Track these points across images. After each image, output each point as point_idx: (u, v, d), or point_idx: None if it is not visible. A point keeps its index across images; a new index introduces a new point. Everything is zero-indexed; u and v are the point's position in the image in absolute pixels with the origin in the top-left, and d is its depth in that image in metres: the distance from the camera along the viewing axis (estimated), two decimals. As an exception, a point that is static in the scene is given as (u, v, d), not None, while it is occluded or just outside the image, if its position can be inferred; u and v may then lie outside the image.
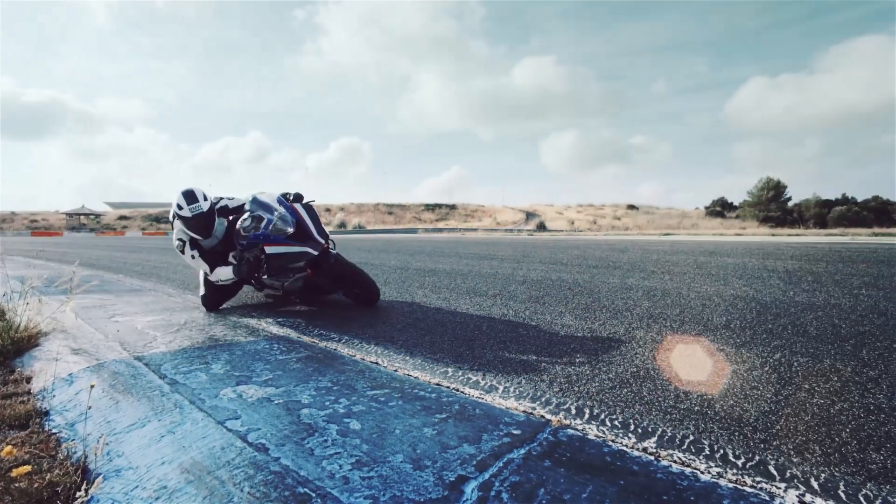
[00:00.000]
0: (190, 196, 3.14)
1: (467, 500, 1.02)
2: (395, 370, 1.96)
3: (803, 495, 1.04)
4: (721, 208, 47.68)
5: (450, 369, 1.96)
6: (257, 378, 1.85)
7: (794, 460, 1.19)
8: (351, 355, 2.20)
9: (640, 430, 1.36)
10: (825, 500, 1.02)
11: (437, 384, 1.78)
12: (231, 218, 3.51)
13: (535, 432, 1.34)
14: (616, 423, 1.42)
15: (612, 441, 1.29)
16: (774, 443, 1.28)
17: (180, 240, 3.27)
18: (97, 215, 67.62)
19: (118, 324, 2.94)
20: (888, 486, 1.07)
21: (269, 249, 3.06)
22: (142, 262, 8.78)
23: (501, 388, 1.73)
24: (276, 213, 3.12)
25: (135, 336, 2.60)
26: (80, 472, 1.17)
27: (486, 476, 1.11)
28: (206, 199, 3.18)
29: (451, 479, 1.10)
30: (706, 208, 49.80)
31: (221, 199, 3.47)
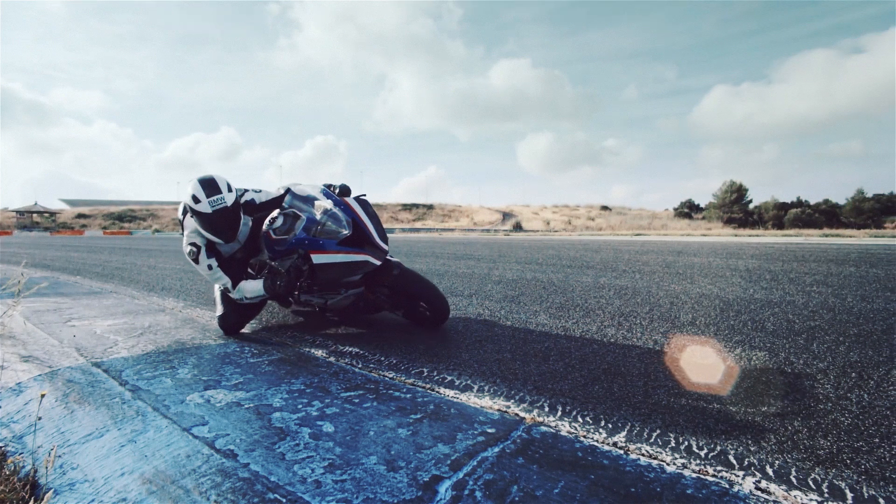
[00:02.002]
0: (210, 185, 2.34)
1: (441, 499, 1.02)
2: (370, 371, 1.94)
3: (759, 482, 1.09)
4: (688, 209, 49.72)
5: (425, 369, 1.96)
6: (227, 382, 1.79)
7: (752, 449, 1.25)
8: (325, 357, 2.16)
9: (610, 426, 1.40)
10: (778, 486, 1.08)
11: (413, 384, 1.77)
12: (254, 217, 2.71)
13: (509, 430, 1.36)
14: (588, 419, 1.45)
15: (584, 437, 1.33)
16: (734, 433, 1.34)
17: (193, 244, 2.47)
18: (52, 213, 63.61)
19: (75, 328, 2.77)
20: (834, 470, 1.14)
21: (316, 258, 2.34)
22: (102, 262, 8.32)
23: (476, 387, 1.74)
24: (323, 211, 2.44)
25: (93, 341, 2.46)
26: (28, 487, 1.10)
27: (461, 475, 1.11)
28: (230, 189, 2.39)
29: (426, 479, 1.10)
30: (675, 209, 51.82)
31: (246, 191, 2.66)
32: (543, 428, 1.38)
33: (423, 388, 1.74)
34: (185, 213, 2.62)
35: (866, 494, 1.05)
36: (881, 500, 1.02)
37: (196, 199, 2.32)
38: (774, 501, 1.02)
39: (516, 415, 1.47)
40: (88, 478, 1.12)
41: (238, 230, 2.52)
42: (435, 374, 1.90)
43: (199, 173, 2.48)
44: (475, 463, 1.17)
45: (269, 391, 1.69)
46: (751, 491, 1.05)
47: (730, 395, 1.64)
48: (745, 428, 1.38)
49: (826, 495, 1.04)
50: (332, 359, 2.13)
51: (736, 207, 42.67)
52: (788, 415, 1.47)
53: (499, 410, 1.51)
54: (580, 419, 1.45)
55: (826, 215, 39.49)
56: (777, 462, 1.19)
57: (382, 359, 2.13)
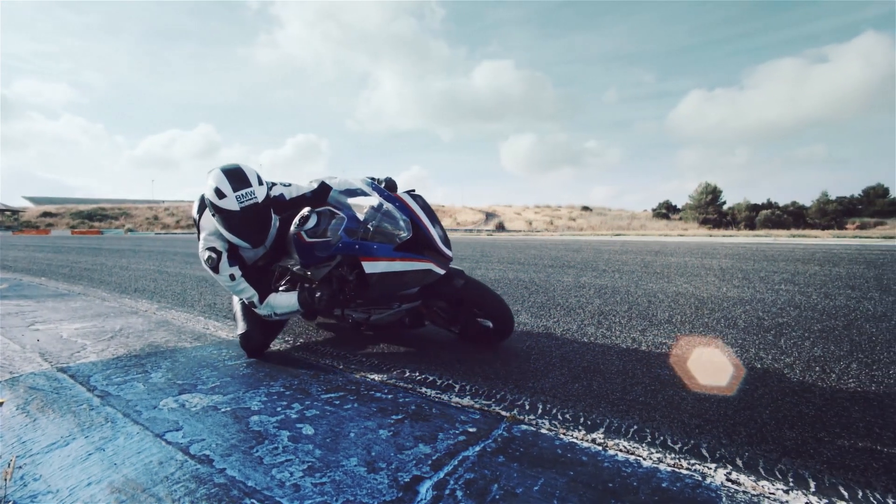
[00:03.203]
0: (237, 177, 1.91)
1: (422, 499, 1.02)
2: (352, 372, 1.92)
3: (730, 473, 1.13)
4: (666, 210, 51.14)
5: (407, 369, 1.95)
6: (203, 386, 1.74)
7: (724, 442, 1.30)
8: (305, 358, 2.13)
9: (589, 423, 1.43)
10: (748, 476, 1.12)
11: (394, 385, 1.76)
12: (282, 216, 2.26)
13: (490, 429, 1.37)
14: (568, 416, 1.47)
15: (564, 434, 1.35)
16: (708, 427, 1.39)
17: (212, 250, 2.03)
18: (14, 211, 60.53)
19: (39, 332, 2.65)
20: (799, 460, 1.20)
21: (369, 266, 1.94)
22: (70, 263, 7.97)
23: (458, 386, 1.75)
24: (372, 209, 2.07)
25: (59, 346, 2.36)
26: (-13, 499, 1.04)
27: (441, 475, 1.11)
28: (261, 182, 1.98)
29: (406, 479, 1.09)
30: (653, 210, 53.21)
31: (274, 184, 2.23)
32: (524, 426, 1.39)
33: (405, 388, 1.73)
34: (201, 210, 2.19)
35: (827, 482, 1.10)
36: (841, 488, 1.07)
37: (220, 194, 1.88)
38: (744, 492, 1.05)
39: (497, 413, 1.49)
40: (52, 489, 1.07)
41: (269, 232, 2.10)
42: (417, 374, 1.90)
43: (220, 162, 2.05)
44: (456, 462, 1.17)
45: (247, 394, 1.65)
46: (722, 482, 1.09)
47: (703, 390, 1.69)
48: (717, 422, 1.42)
49: (791, 484, 1.09)
50: (312, 360, 2.10)
51: (711, 209, 44.14)
52: (758, 408, 1.53)
53: (480, 409, 1.52)
54: (560, 417, 1.47)
55: (794, 216, 41.32)
56: (746, 454, 1.23)
57: (364, 360, 2.12)
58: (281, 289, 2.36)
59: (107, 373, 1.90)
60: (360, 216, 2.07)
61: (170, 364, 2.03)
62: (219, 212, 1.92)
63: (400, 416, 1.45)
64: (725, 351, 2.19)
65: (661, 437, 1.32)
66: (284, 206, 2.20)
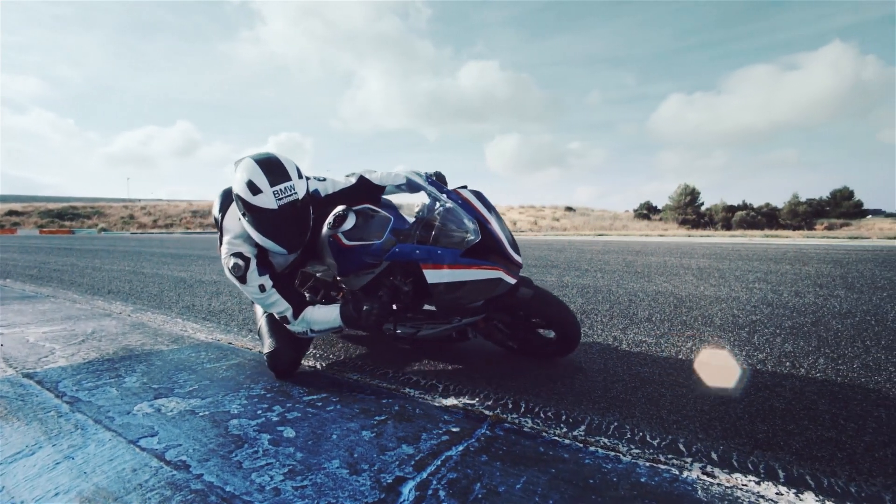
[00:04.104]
0: (274, 169, 1.63)
1: (404, 500, 1.01)
2: (334, 374, 1.90)
3: (705, 467, 1.17)
4: (647, 211, 52.31)
5: (390, 370, 1.94)
6: (180, 389, 1.69)
7: (700, 436, 1.34)
8: (287, 361, 2.09)
9: (571, 420, 1.45)
10: (722, 470, 1.15)
11: (377, 386, 1.75)
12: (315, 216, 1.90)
13: (473, 428, 1.37)
14: (549, 414, 1.49)
15: (546, 432, 1.36)
16: (685, 423, 1.43)
17: (239, 256, 1.73)
18: (-22, 210, 57.65)
19: (3, 337, 2.53)
20: (769, 452, 1.24)
21: (432, 275, 1.67)
22: (38, 264, 7.65)
23: (441, 386, 1.75)
24: (426, 209, 1.81)
25: (25, 350, 2.26)
26: (-55, 512, 0.99)
27: (424, 475, 1.11)
28: (300, 175, 1.71)
29: (389, 480, 1.09)
30: (634, 211, 54.35)
31: (308, 178, 1.86)
32: (507, 425, 1.41)
33: (388, 389, 1.72)
34: (225, 208, 1.88)
35: (795, 473, 1.14)
36: (808, 478, 1.12)
37: (254, 189, 1.60)
38: (718, 484, 1.09)
39: (481, 413, 1.49)
40: (16, 500, 1.03)
41: (307, 234, 1.80)
42: (400, 374, 1.89)
43: (251, 151, 1.73)
44: (439, 462, 1.17)
45: (226, 397, 1.62)
46: (698, 476, 1.12)
47: (681, 387, 1.73)
48: (694, 417, 1.46)
49: (762, 475, 1.13)
50: (294, 362, 2.07)
51: (689, 209, 45.37)
52: (732, 402, 1.58)
53: (464, 409, 1.53)
54: (543, 415, 1.49)
55: (767, 217, 42.86)
56: (721, 448, 1.27)
57: (347, 361, 2.10)
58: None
59: (77, 378, 1.83)
60: (410, 215, 1.83)
61: (145, 368, 1.96)
62: (251, 210, 1.64)
63: (383, 417, 1.45)
64: (702, 349, 2.26)
65: (641, 434, 1.35)
66: (320, 203, 1.89)
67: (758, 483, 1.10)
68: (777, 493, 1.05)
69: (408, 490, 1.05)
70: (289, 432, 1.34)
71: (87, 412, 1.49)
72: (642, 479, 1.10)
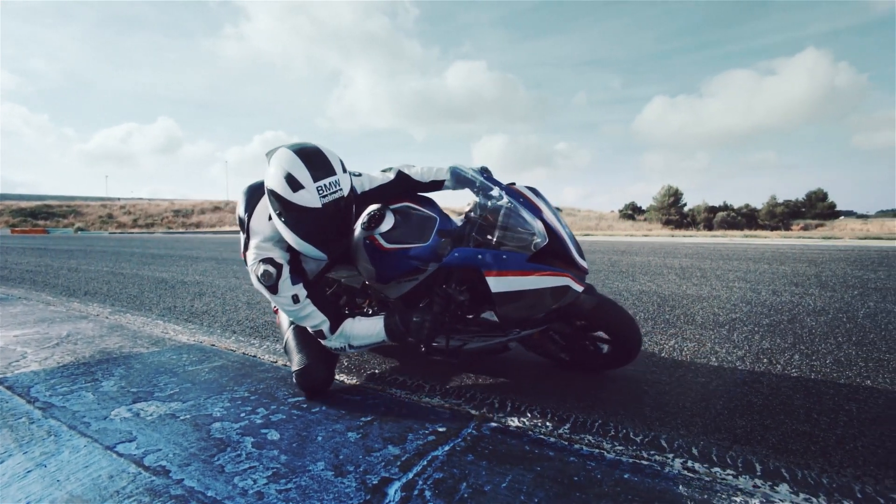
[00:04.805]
0: (318, 162, 1.43)
1: (390, 501, 1.01)
2: (321, 375, 1.88)
3: (686, 462, 1.19)
4: (632, 211, 53.20)
5: (376, 370, 1.93)
6: (160, 393, 1.66)
7: (681, 433, 1.37)
8: (272, 362, 2.06)
9: (556, 419, 1.46)
10: (702, 464, 1.18)
11: (364, 386, 1.74)
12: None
13: (459, 428, 1.38)
14: (535, 413, 1.51)
15: (532, 431, 1.37)
16: (667, 419, 1.46)
17: (270, 262, 1.51)
18: (-55, 208, 55.27)
19: (-27, 340, 2.43)
20: (747, 446, 1.28)
21: (496, 283, 1.49)
22: (9, 265, 7.37)
23: (428, 386, 1.74)
24: (483, 208, 1.62)
25: (-4, 353, 2.17)
26: None
27: (410, 475, 1.11)
28: (344, 169, 1.50)
29: (375, 482, 1.08)
30: (620, 211, 55.23)
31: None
32: (493, 424, 1.41)
33: (374, 389, 1.71)
34: (250, 207, 1.63)
35: (772, 466, 1.18)
36: (783, 471, 1.16)
37: (294, 184, 1.38)
38: (698, 479, 1.11)
39: (467, 412, 1.50)
40: (-14, 509, 0.99)
41: (349, 237, 1.62)
42: (386, 374, 1.88)
43: (286, 141, 1.54)
44: (425, 462, 1.17)
45: (208, 400, 1.58)
46: (679, 471, 1.15)
47: (663, 384, 1.77)
48: (676, 414, 1.50)
49: (740, 469, 1.16)
50: (279, 363, 2.04)
51: (673, 210, 46.34)
52: (712, 399, 1.62)
53: (450, 409, 1.53)
54: (528, 414, 1.50)
55: (747, 218, 44.08)
56: (701, 443, 1.30)
57: (333, 362, 2.08)
58: None
59: (50, 383, 1.77)
60: (454, 214, 1.67)
61: (123, 371, 1.91)
62: (290, 209, 1.41)
63: (369, 418, 1.44)
64: (683, 347, 2.30)
65: (624, 431, 1.38)
66: (358, 201, 1.65)
67: (735, 477, 1.13)
68: (754, 486, 1.08)
69: (393, 491, 1.05)
70: (273, 435, 1.32)
71: (60, 418, 1.44)
72: (625, 476, 1.12)
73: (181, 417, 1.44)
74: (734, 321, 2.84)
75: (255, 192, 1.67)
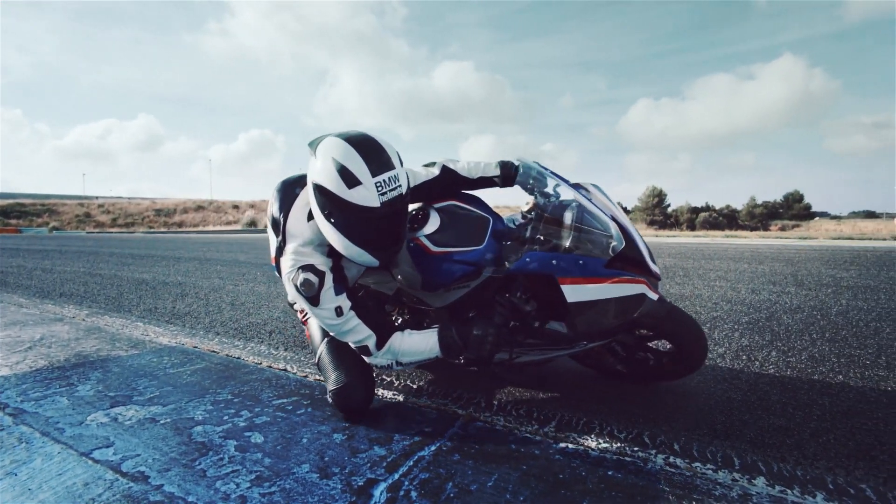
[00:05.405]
0: (376, 155, 1.24)
1: (376, 502, 1.00)
2: (306, 376, 1.86)
3: (668, 458, 1.22)
4: (617, 212, 54.01)
5: (365, 372, 1.92)
6: (139, 397, 1.61)
7: (664, 429, 1.39)
8: (257, 363, 2.03)
9: (542, 417, 1.48)
10: (683, 460, 1.21)
11: (351, 388, 1.73)
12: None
13: (446, 428, 1.38)
14: (521, 412, 1.52)
15: (518, 429, 1.38)
16: (650, 416, 1.48)
17: (311, 270, 1.30)
18: None
19: (-61, 344, 2.33)
20: (727, 441, 1.31)
21: (572, 292, 1.35)
22: (-20, 265, 7.08)
23: (415, 386, 1.74)
24: (559, 203, 1.47)
25: (-36, 358, 2.09)
26: None
27: (396, 476, 1.11)
28: (401, 163, 1.31)
29: (360, 483, 1.07)
30: (605, 212, 55.98)
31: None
32: (480, 423, 1.42)
33: (362, 390, 1.70)
34: (285, 206, 1.40)
35: (749, 460, 1.21)
36: (760, 464, 1.19)
37: (350, 180, 1.19)
38: (680, 474, 1.14)
39: (454, 412, 1.50)
40: (-48, 520, 0.95)
41: (403, 241, 1.40)
42: (374, 376, 1.87)
43: (336, 129, 1.32)
44: (411, 463, 1.17)
45: (190, 403, 1.55)
46: (661, 467, 1.17)
47: (648, 383, 1.80)
48: (659, 410, 1.52)
49: (719, 463, 1.19)
50: (264, 365, 2.01)
51: (657, 211, 47.24)
52: (693, 395, 1.65)
53: (437, 409, 1.53)
54: (514, 412, 1.51)
55: (728, 218, 45.24)
56: (683, 439, 1.33)
57: (319, 363, 2.05)
58: None
59: (22, 388, 1.71)
60: (516, 214, 1.54)
61: (101, 375, 1.86)
62: (343, 208, 1.22)
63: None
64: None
65: (609, 428, 1.40)
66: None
67: (715, 471, 1.15)
68: (732, 480, 1.11)
69: (379, 492, 1.04)
70: (257, 438, 1.30)
71: (32, 424, 1.39)
72: (609, 473, 1.14)
73: (161, 421, 1.41)
74: (715, 319, 2.91)
75: (290, 189, 1.44)
